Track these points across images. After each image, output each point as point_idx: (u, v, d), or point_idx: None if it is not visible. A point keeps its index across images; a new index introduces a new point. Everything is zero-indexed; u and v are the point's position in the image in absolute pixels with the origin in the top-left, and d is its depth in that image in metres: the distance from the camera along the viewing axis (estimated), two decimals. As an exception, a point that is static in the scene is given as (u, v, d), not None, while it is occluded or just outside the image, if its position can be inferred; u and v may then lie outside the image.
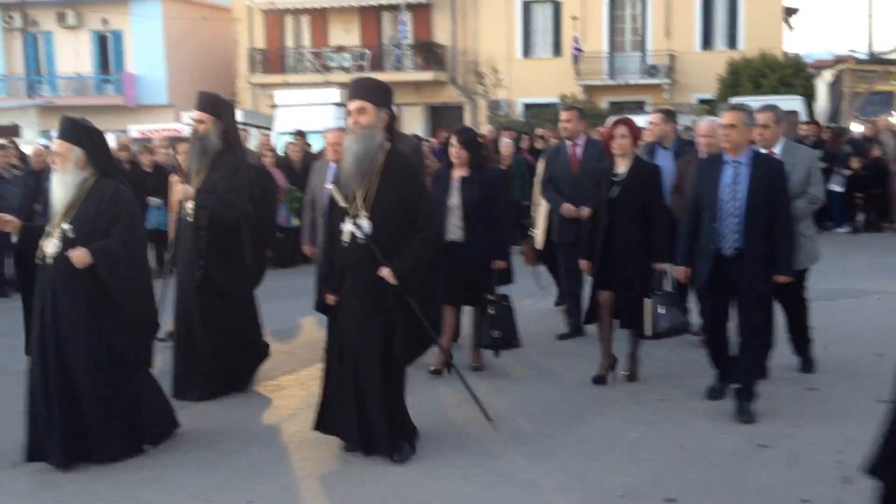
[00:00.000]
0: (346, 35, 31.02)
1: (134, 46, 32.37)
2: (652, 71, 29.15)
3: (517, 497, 4.45)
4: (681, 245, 5.71)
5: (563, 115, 7.62)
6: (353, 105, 4.84)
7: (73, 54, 32.69)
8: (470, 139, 6.54)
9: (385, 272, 4.69)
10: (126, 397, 5.01)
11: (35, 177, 11.23)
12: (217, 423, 5.73)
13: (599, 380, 6.23)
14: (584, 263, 6.35)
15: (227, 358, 6.25)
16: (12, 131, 22.12)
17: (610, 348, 6.25)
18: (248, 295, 6.50)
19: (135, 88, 32.18)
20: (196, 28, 31.97)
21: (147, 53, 31.89)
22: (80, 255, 4.81)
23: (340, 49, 30.66)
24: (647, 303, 6.00)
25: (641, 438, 5.22)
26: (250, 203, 6.36)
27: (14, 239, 5.15)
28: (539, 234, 8.04)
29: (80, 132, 5.04)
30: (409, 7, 29.63)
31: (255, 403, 6.18)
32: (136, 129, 23.32)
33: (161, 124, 24.44)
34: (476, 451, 5.01)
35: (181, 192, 6.22)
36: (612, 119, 9.25)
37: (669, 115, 7.80)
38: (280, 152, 14.02)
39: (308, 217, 7.47)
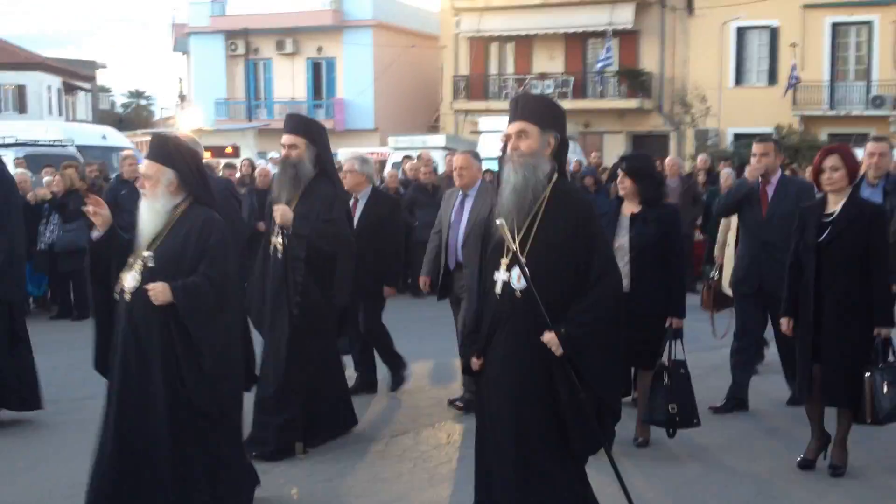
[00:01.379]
0: (549, 62, 30.86)
1: (345, 73, 33.66)
2: (878, 102, 27.09)
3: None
4: None
5: (758, 147, 6.47)
6: (513, 127, 3.96)
7: (289, 80, 34.40)
8: (638, 167, 5.62)
9: (549, 339, 3.73)
10: (206, 457, 4.31)
11: (259, 195, 11.60)
12: (307, 490, 5.07)
13: (807, 464, 5.28)
14: (784, 322, 5.30)
15: (311, 408, 5.61)
16: (233, 152, 23.41)
17: (822, 427, 5.27)
18: (335, 339, 5.92)
19: (344, 113, 33.41)
20: (403, 55, 32.82)
21: (356, 79, 33.04)
22: (159, 291, 4.18)
23: (543, 76, 30.53)
24: (867, 378, 4.96)
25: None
26: (352, 236, 5.82)
27: (94, 234, 4.48)
28: (726, 274, 7.13)
29: (172, 152, 4.43)
30: (616, 33, 29.08)
31: (351, 467, 5.48)
32: (344, 153, 24.06)
33: (367, 148, 25.13)
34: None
35: (279, 215, 5.48)
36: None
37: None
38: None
39: (432, 245, 6.85)
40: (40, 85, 44.48)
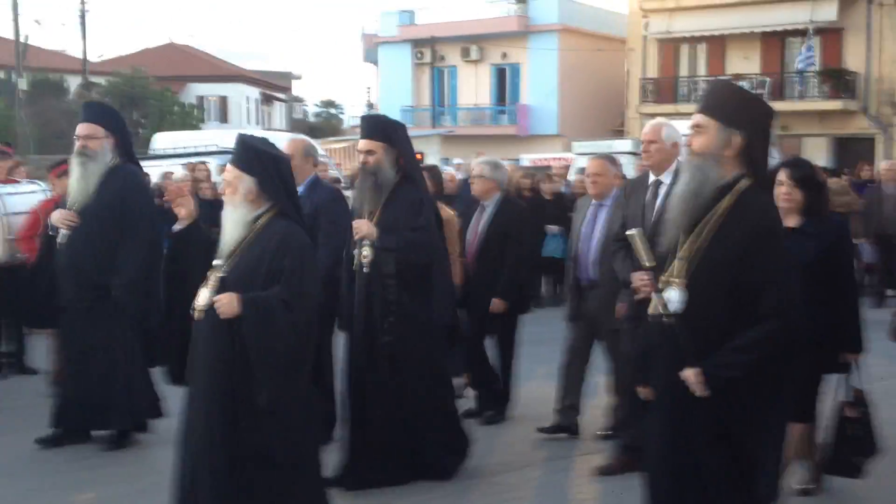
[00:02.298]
0: (744, 62, 29.46)
1: (529, 78, 33.55)
2: None
3: None
4: None
5: None
6: (690, 122, 3.42)
7: (473, 87, 34.67)
8: (807, 175, 4.75)
9: (690, 375, 3.20)
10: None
11: (443, 201, 11.76)
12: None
13: None
14: None
15: (411, 444, 5.07)
16: (419, 159, 23.90)
17: None
18: (443, 364, 5.24)
19: (527, 119, 33.30)
20: (589, 59, 32.33)
21: (541, 85, 32.86)
22: (227, 302, 3.70)
23: (738, 77, 29.16)
24: None
25: None
26: (441, 243, 5.20)
27: (176, 226, 4.11)
28: None
29: (252, 158, 3.94)
30: (818, 31, 27.36)
31: (546, 486, 5.15)
32: (527, 158, 23.90)
33: (550, 153, 24.87)
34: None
35: (361, 229, 5.03)
36: None
37: None
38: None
39: (570, 266, 6.18)
40: (241, 96, 47.15)
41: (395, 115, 31.94)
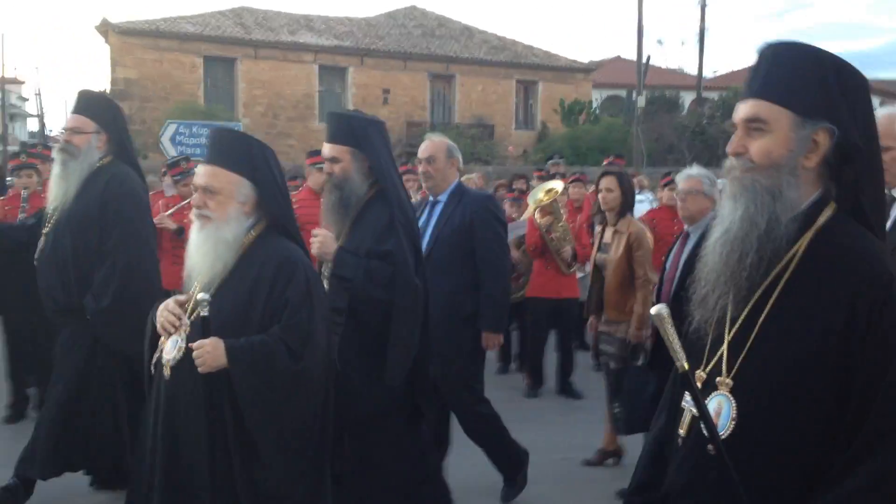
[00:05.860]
0: None
1: None
2: None
3: None
4: None
5: None
6: (740, 112, 2.05)
7: None
8: None
9: None
10: None
11: None
12: None
13: None
14: None
15: None
16: None
17: None
18: (411, 427, 4.05)
19: None
20: None
21: None
22: (210, 351, 2.80)
23: None
24: None
25: None
26: (418, 278, 3.89)
27: None
28: None
29: (245, 154, 3.02)
30: None
31: None
32: None
33: None
34: None
35: (317, 243, 3.91)
36: None
37: None
38: None
39: None
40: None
41: None
